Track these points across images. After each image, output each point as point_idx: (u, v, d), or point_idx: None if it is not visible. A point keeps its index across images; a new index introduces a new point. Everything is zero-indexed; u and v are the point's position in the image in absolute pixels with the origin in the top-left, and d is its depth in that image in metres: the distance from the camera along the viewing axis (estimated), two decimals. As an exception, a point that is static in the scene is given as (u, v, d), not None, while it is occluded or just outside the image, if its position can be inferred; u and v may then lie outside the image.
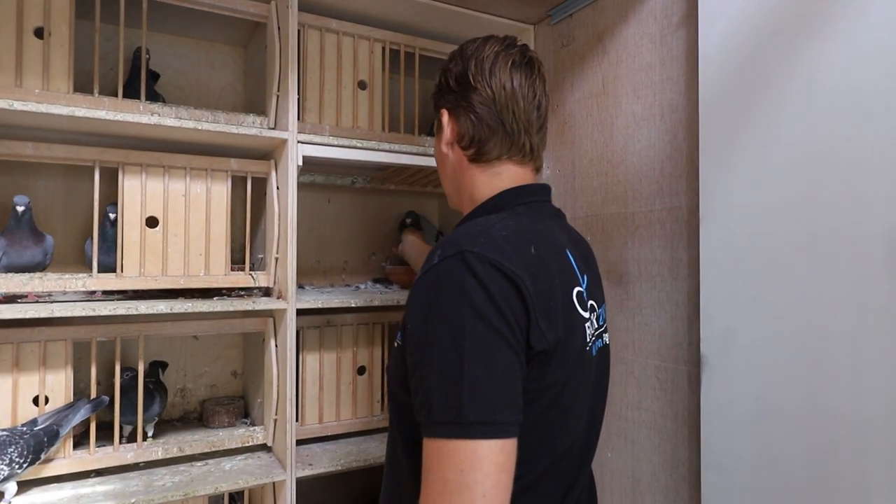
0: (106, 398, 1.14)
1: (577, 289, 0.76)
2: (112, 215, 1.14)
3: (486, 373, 0.61)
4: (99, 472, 1.15)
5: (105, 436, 1.17)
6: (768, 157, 0.90)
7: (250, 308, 1.17)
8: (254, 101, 1.45)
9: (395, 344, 0.76)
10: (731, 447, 0.95)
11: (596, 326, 0.81)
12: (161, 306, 1.08)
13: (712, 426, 0.98)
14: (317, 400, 1.34)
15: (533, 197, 0.83)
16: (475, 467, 0.59)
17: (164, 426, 1.38)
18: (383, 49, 1.39)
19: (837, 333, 0.82)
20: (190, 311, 1.11)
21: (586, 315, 0.76)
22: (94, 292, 1.18)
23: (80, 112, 1.01)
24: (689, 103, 1.05)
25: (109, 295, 1.19)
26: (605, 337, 0.87)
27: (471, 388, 0.60)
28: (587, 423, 0.79)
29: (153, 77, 1.37)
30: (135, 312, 1.05)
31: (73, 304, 1.06)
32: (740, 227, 0.94)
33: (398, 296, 1.35)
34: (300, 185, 1.23)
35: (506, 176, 0.83)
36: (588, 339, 0.76)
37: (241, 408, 1.43)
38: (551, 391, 0.69)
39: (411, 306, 0.68)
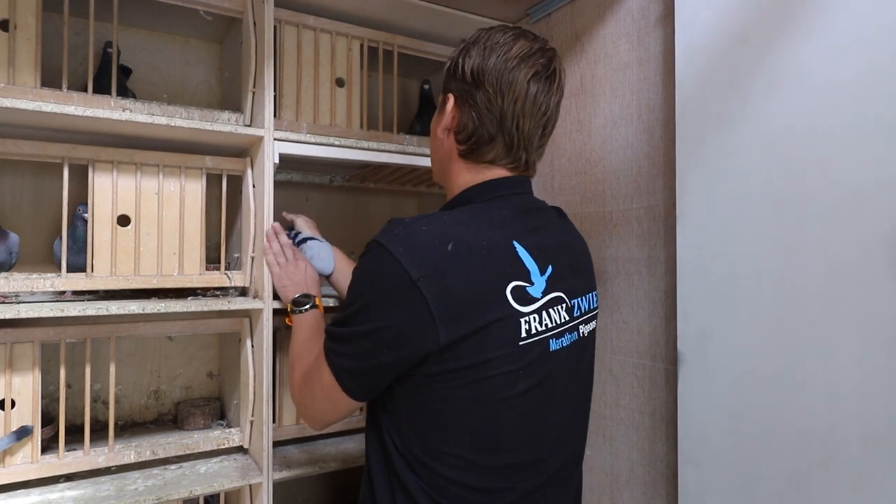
0: (30, 426, 1.04)
1: (513, 283, 0.74)
2: (84, 215, 1.11)
3: (348, 349, 0.76)
4: (69, 477, 1.12)
5: (75, 439, 1.15)
6: (743, 156, 0.91)
7: (225, 308, 1.15)
8: (229, 98, 1.43)
9: None
10: (708, 443, 0.96)
11: (565, 318, 0.80)
12: (133, 306, 1.05)
13: (689, 423, 0.99)
14: (294, 401, 1.32)
15: (500, 191, 0.82)
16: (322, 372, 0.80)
17: (138, 429, 1.36)
18: (361, 46, 1.38)
19: (811, 331, 0.83)
20: (163, 311, 1.08)
21: (525, 309, 0.75)
22: (63, 293, 1.14)
23: (48, 107, 0.98)
24: (666, 103, 1.06)
25: (80, 295, 1.16)
26: (584, 328, 0.85)
27: (338, 351, 0.78)
28: (556, 418, 0.80)
29: (125, 73, 1.34)
30: (105, 313, 1.03)
31: (40, 304, 1.03)
32: (716, 226, 0.95)
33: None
34: (277, 184, 1.22)
35: (488, 174, 0.83)
36: (525, 334, 0.74)
37: (217, 409, 1.41)
38: (468, 378, 0.73)
39: None
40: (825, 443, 0.81)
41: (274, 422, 1.26)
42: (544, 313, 0.77)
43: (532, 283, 0.77)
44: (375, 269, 0.73)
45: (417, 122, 1.58)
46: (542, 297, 0.77)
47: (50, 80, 1.11)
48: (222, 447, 1.24)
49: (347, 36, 1.35)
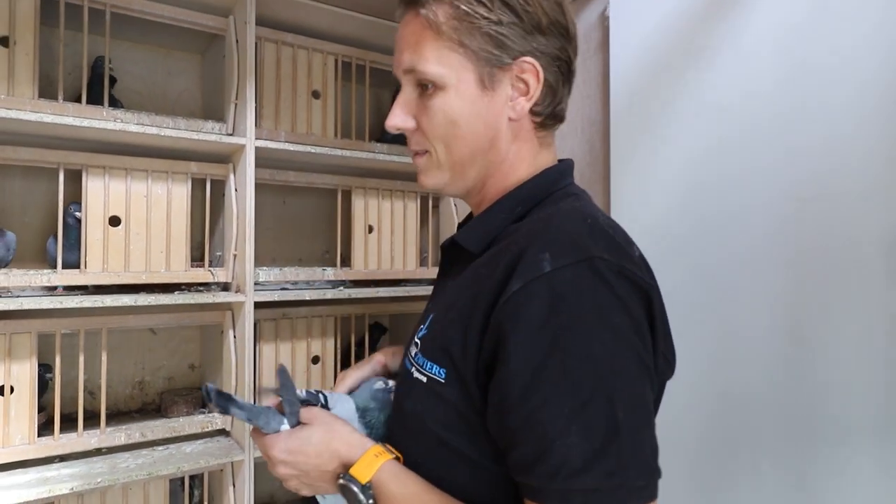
0: None
1: None
2: (77, 213, 1.20)
3: (643, 421, 0.49)
4: (63, 458, 1.21)
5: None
6: (668, 160, 1.07)
7: (210, 301, 1.25)
8: (210, 106, 1.53)
9: (420, 377, 0.57)
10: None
11: None
12: (126, 299, 1.16)
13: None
14: (273, 388, 1.43)
15: (570, 177, 0.65)
16: None
17: (123, 417, 1.44)
18: (336, 61, 1.49)
19: (732, 321, 0.98)
20: (153, 303, 1.19)
21: None
22: (55, 288, 1.23)
23: (48, 118, 1.08)
24: (604, 118, 1.21)
25: (71, 291, 1.25)
26: None
27: (633, 443, 0.47)
28: None
29: (111, 82, 1.43)
30: (101, 305, 1.13)
31: (40, 297, 1.12)
32: (644, 226, 1.10)
33: (349, 290, 1.45)
34: (257, 186, 1.32)
35: (552, 149, 0.66)
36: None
37: (199, 399, 1.50)
38: None
39: (512, 329, 0.50)
40: (743, 415, 0.97)
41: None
42: None
43: None
44: (608, 296, 0.50)
45: (388, 130, 1.70)
46: None
47: (43, 89, 1.20)
48: (206, 430, 1.34)
49: (323, 52, 1.47)
